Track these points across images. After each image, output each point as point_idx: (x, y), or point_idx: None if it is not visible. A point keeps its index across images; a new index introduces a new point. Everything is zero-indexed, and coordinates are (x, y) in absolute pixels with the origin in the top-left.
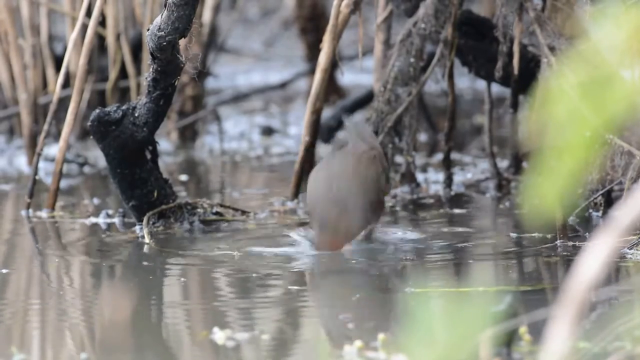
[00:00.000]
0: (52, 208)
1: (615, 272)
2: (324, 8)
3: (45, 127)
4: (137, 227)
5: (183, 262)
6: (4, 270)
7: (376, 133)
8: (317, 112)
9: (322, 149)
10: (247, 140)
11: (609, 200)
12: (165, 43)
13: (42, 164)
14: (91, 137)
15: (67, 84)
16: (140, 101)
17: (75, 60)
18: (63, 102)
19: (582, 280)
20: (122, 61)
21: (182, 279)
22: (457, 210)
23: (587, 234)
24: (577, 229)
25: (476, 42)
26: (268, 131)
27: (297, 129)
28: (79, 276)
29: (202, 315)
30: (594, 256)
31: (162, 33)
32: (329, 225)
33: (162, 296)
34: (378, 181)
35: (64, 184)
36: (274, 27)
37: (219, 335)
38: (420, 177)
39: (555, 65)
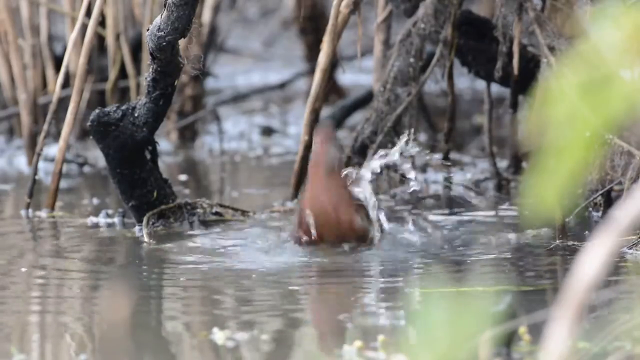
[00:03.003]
0: (52, 208)
1: (615, 272)
2: (323, 8)
3: (45, 127)
4: (137, 227)
5: (182, 262)
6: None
7: (375, 133)
8: (316, 112)
9: None
10: (246, 140)
11: (609, 200)
12: (164, 43)
13: (42, 164)
14: (91, 137)
15: (67, 84)
16: (140, 101)
17: (75, 60)
18: (63, 102)
19: (581, 280)
20: (122, 61)
21: (182, 278)
22: (456, 210)
23: (587, 234)
24: (577, 229)
25: (476, 42)
26: (268, 131)
27: (297, 129)
28: (79, 276)
29: (202, 315)
30: (594, 256)
31: (162, 33)
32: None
33: (161, 296)
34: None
35: (63, 184)
36: (274, 27)
37: (219, 335)
38: (420, 177)
39: (555, 65)
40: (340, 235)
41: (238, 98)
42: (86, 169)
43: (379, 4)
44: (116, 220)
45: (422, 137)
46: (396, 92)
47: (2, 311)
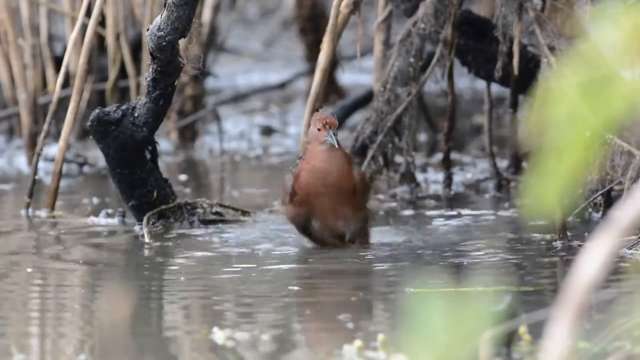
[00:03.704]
0: (52, 208)
1: (615, 272)
2: (323, 8)
3: (45, 127)
4: (137, 227)
5: (182, 262)
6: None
7: (375, 133)
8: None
9: None
10: (246, 140)
11: (609, 200)
12: (165, 43)
13: (41, 164)
14: (91, 137)
15: (67, 84)
16: (139, 101)
17: (75, 60)
18: (63, 102)
19: (581, 280)
20: (122, 61)
21: (182, 278)
22: (456, 210)
23: (587, 234)
24: (577, 229)
25: (476, 42)
26: (267, 131)
27: (297, 129)
28: (79, 276)
29: (202, 314)
30: (594, 256)
31: (162, 33)
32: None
33: (161, 296)
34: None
35: (63, 183)
36: (274, 27)
37: (219, 335)
38: (420, 177)
39: (555, 65)
40: (339, 191)
41: (238, 98)
42: (86, 168)
43: (379, 4)
44: (116, 220)
45: (422, 137)
46: (396, 92)
47: (3, 310)
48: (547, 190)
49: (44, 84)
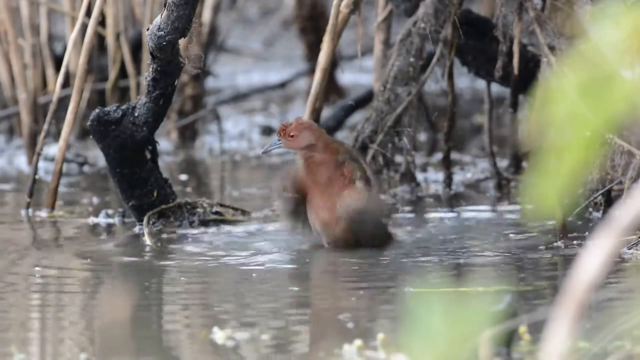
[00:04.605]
0: (52, 207)
1: (615, 272)
2: (323, 8)
3: (45, 126)
4: (137, 227)
5: (183, 262)
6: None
7: (375, 132)
8: (316, 112)
9: None
10: (246, 140)
11: (609, 200)
12: (165, 43)
13: (42, 164)
14: (91, 136)
15: (67, 83)
16: (140, 101)
17: (75, 60)
18: (63, 102)
19: (581, 280)
20: (122, 61)
21: (182, 278)
22: (456, 210)
23: (587, 234)
24: (577, 229)
25: (476, 42)
26: (268, 131)
27: None
28: (78, 276)
29: (202, 315)
30: (594, 256)
31: (162, 33)
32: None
33: (162, 296)
34: None
35: (63, 183)
36: (274, 27)
37: (219, 335)
38: (420, 176)
39: (555, 64)
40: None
41: (238, 97)
42: (86, 168)
43: (379, 3)
44: (116, 219)
45: (422, 136)
46: (396, 91)
47: (3, 311)
48: (548, 190)
49: (44, 83)
